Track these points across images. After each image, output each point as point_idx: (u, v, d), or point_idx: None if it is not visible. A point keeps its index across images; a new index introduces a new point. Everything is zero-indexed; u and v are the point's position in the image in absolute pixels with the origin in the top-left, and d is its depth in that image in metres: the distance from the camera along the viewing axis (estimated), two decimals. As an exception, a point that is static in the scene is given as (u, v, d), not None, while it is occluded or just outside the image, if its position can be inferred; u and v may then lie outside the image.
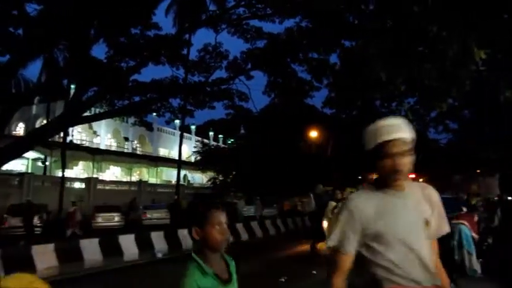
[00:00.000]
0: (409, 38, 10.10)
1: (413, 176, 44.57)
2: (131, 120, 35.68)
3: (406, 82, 10.81)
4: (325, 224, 12.12)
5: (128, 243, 11.98)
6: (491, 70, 12.84)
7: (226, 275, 2.00)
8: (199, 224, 1.96)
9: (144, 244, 12.50)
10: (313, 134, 30.90)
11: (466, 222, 8.15)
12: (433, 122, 31.67)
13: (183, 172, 40.35)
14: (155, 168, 43.14)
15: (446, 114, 27.32)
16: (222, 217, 1.99)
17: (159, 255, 12.43)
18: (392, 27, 10.11)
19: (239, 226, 17.75)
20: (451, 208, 11.57)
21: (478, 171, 42.13)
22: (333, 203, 9.00)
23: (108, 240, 12.00)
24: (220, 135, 54.36)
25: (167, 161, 43.93)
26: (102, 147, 39.44)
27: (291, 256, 11.61)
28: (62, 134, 25.95)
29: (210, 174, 39.20)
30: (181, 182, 38.62)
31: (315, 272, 9.13)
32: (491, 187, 38.01)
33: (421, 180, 52.81)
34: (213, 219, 1.96)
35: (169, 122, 32.62)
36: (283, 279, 8.80)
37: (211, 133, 54.47)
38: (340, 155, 31.28)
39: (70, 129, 32.28)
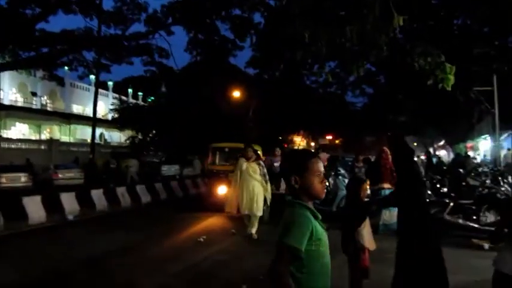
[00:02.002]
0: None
1: (330, 137, 46.29)
2: (40, 73, 32.71)
3: (327, 44, 10.89)
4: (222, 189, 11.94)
5: (34, 206, 11.06)
6: (407, 38, 13.39)
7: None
8: (299, 173, 2.01)
9: (53, 206, 11.65)
10: (236, 94, 30.69)
11: (386, 185, 8.46)
12: (351, 86, 32.96)
13: (99, 130, 38.39)
14: (68, 126, 40.53)
15: (364, 78, 28.47)
16: (321, 166, 2.06)
17: (70, 217, 11.70)
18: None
19: (158, 186, 17.34)
20: (349, 166, 12.45)
21: (389, 133, 44.96)
22: (244, 160, 8.86)
23: (10, 202, 11.01)
24: (139, 93, 52.13)
25: (81, 119, 41.40)
26: (6, 102, 35.98)
27: (211, 215, 11.53)
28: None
29: (129, 132, 37.75)
30: (98, 141, 36.84)
31: (234, 231, 9.14)
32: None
33: (337, 141, 55.34)
34: (313, 168, 2.02)
35: (83, 77, 30.65)
36: (201, 239, 8.71)
37: (130, 90, 52.03)
38: (261, 115, 31.53)
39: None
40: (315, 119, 39.81)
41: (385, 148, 8.98)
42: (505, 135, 23.46)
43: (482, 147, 28.91)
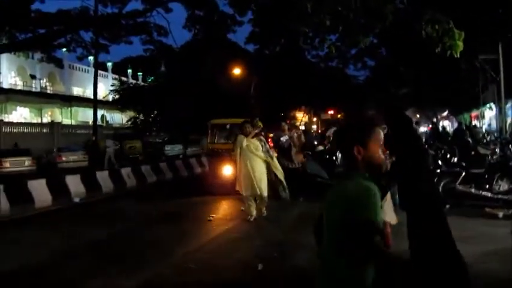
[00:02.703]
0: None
1: (332, 112, 45.85)
2: (38, 56, 32.26)
3: (330, 15, 10.57)
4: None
5: (39, 189, 10.97)
6: (413, 6, 13.02)
7: None
8: (363, 142, 1.81)
9: (59, 189, 11.57)
10: (236, 71, 30.31)
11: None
12: (352, 59, 32.50)
13: (100, 112, 38.14)
14: (69, 109, 40.28)
15: (365, 51, 27.99)
16: (382, 135, 1.89)
17: (76, 200, 11.66)
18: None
19: (162, 165, 17.27)
20: None
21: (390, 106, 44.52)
22: (243, 137, 8.42)
23: (16, 186, 10.91)
24: (139, 73, 51.59)
25: (82, 101, 41.09)
26: (5, 86, 35.65)
27: (218, 195, 11.40)
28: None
29: (130, 113, 37.53)
30: (99, 123, 36.64)
31: (243, 208, 9.05)
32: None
33: (339, 116, 55.15)
34: (377, 137, 1.85)
35: (81, 58, 30.06)
36: (210, 218, 8.66)
37: (129, 70, 51.49)
38: (262, 91, 31.19)
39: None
40: (316, 94, 39.40)
41: None
42: (510, 103, 23.17)
43: (487, 116, 28.67)
